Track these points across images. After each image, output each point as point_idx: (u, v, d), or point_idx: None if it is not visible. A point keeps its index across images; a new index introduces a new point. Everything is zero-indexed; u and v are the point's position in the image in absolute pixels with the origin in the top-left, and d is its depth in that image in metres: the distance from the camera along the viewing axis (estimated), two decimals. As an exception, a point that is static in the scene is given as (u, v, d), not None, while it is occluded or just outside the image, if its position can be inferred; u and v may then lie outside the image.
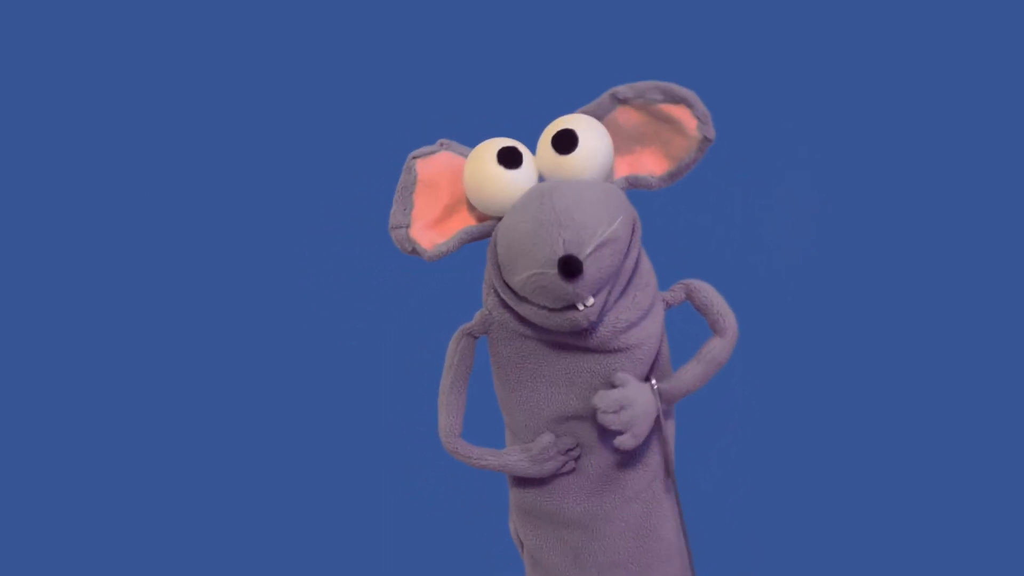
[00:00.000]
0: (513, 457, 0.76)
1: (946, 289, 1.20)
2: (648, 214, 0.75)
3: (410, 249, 0.75)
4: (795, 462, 1.14)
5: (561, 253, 0.67)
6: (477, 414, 0.78)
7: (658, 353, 0.75)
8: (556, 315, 0.70)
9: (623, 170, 0.76)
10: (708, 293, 0.76)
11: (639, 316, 0.73)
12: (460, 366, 0.77)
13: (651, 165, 0.76)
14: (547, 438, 0.75)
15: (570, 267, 0.67)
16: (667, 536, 0.78)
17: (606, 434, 0.74)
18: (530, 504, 0.78)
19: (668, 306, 0.76)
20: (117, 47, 1.27)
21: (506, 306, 0.73)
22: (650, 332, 0.74)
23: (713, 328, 0.76)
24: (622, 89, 0.76)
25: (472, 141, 0.76)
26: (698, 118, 0.74)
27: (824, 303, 1.20)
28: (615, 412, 0.71)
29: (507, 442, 0.79)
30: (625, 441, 0.72)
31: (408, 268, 0.82)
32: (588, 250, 0.67)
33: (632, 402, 0.72)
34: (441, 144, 0.77)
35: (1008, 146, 1.21)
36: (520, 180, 0.72)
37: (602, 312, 0.71)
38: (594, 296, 0.69)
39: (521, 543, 0.81)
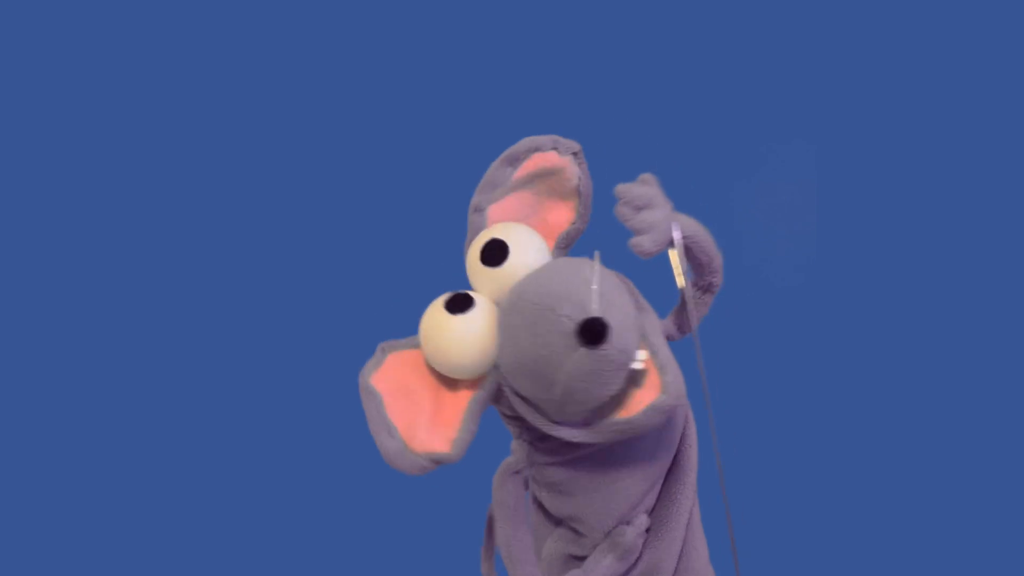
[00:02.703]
0: (601, 566, 0.68)
1: (945, 289, 1.20)
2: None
3: (429, 464, 0.64)
4: (795, 463, 1.14)
5: (574, 325, 0.59)
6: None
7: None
8: (634, 398, 0.61)
9: (550, 242, 0.70)
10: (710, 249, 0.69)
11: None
12: (517, 509, 0.70)
13: (562, 217, 0.70)
14: (631, 533, 0.68)
15: (594, 328, 0.58)
16: (699, 567, 0.74)
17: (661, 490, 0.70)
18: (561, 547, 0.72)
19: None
20: (117, 48, 1.28)
21: (538, 448, 0.66)
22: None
23: (703, 283, 0.70)
24: (476, 199, 0.70)
25: (465, 154, 0.72)
26: (553, 148, 0.69)
27: (821, 304, 1.20)
28: (637, 208, 0.63)
29: (542, 524, 0.72)
30: (642, 243, 0.63)
31: (422, 269, 0.78)
32: (595, 304, 0.59)
33: (656, 204, 0.63)
34: (382, 350, 0.68)
35: (1006, 146, 1.21)
36: (479, 319, 0.64)
37: (668, 349, 0.63)
38: (636, 347, 0.61)
39: None
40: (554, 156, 0.69)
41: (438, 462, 0.63)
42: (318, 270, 1.24)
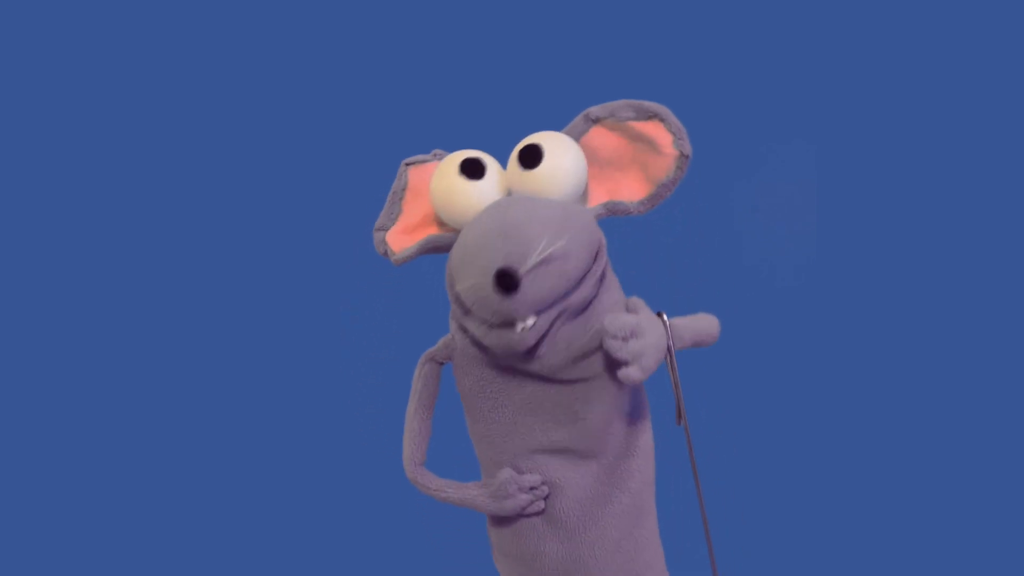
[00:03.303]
0: (473, 492, 0.72)
1: (945, 289, 1.20)
2: (633, 228, 0.72)
3: (383, 251, 0.75)
4: (794, 464, 1.14)
5: (499, 265, 0.63)
6: (460, 443, 0.75)
7: (637, 386, 0.70)
8: (493, 332, 0.66)
9: (602, 196, 0.72)
10: (675, 323, 0.69)
11: (596, 344, 0.67)
12: (423, 392, 0.73)
13: (630, 190, 0.72)
14: (505, 473, 0.71)
15: (505, 280, 0.63)
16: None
17: (576, 472, 0.70)
18: (507, 546, 0.74)
19: None
20: (119, 48, 1.28)
21: (463, 329, 0.70)
22: (612, 362, 0.67)
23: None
24: (594, 109, 0.72)
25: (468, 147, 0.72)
26: (672, 133, 0.70)
27: (821, 304, 1.20)
28: (623, 339, 0.65)
29: (481, 476, 0.75)
30: (631, 373, 0.64)
31: (426, 271, 0.79)
32: (527, 265, 0.63)
33: (644, 331, 0.65)
34: (435, 154, 0.76)
35: (1006, 146, 1.21)
36: (483, 192, 0.69)
37: (544, 337, 0.66)
38: (537, 316, 0.65)
39: None
40: (668, 140, 0.70)
41: (386, 255, 0.75)
42: (316, 270, 1.24)
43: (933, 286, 1.20)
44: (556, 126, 0.73)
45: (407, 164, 0.76)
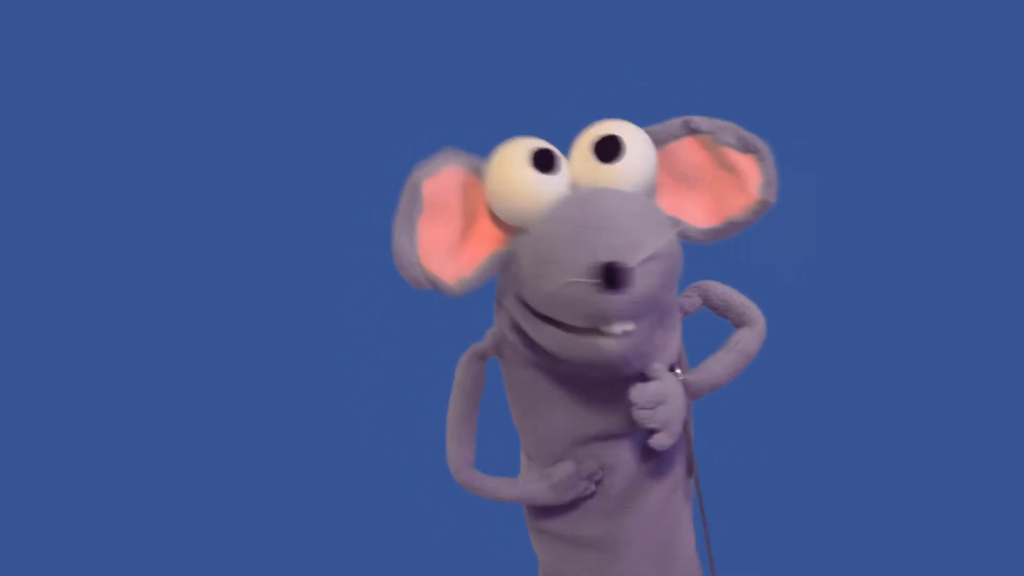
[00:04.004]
0: (532, 487, 0.70)
1: (944, 289, 1.20)
2: None
3: (428, 285, 0.65)
4: (799, 463, 1.14)
5: (606, 258, 0.58)
6: (489, 434, 0.73)
7: (679, 364, 0.69)
8: (581, 341, 0.61)
9: (664, 208, 0.66)
10: (725, 290, 0.70)
11: (666, 339, 0.66)
12: (473, 392, 0.70)
13: (695, 214, 0.68)
14: (569, 467, 0.69)
15: (616, 276, 0.58)
16: (687, 554, 0.74)
17: (628, 453, 0.69)
18: (546, 526, 0.73)
19: (685, 314, 0.70)
20: (121, 49, 1.28)
21: (519, 329, 0.66)
22: (671, 348, 0.67)
23: (739, 322, 0.70)
24: (698, 120, 0.67)
25: (477, 146, 0.68)
26: (764, 176, 0.66)
27: (824, 305, 1.20)
28: (651, 409, 0.64)
29: (521, 461, 0.74)
30: (661, 440, 0.65)
31: (398, 280, 0.73)
32: (639, 258, 0.59)
33: (669, 398, 0.64)
34: (445, 157, 0.66)
35: (1006, 146, 1.21)
36: (555, 187, 0.63)
37: (639, 348, 0.63)
38: (635, 322, 0.61)
39: None
40: (757, 182, 0.67)
41: (437, 288, 0.65)
42: (316, 270, 1.24)
43: (933, 287, 1.20)
44: (548, 125, 0.69)
45: (418, 177, 0.65)
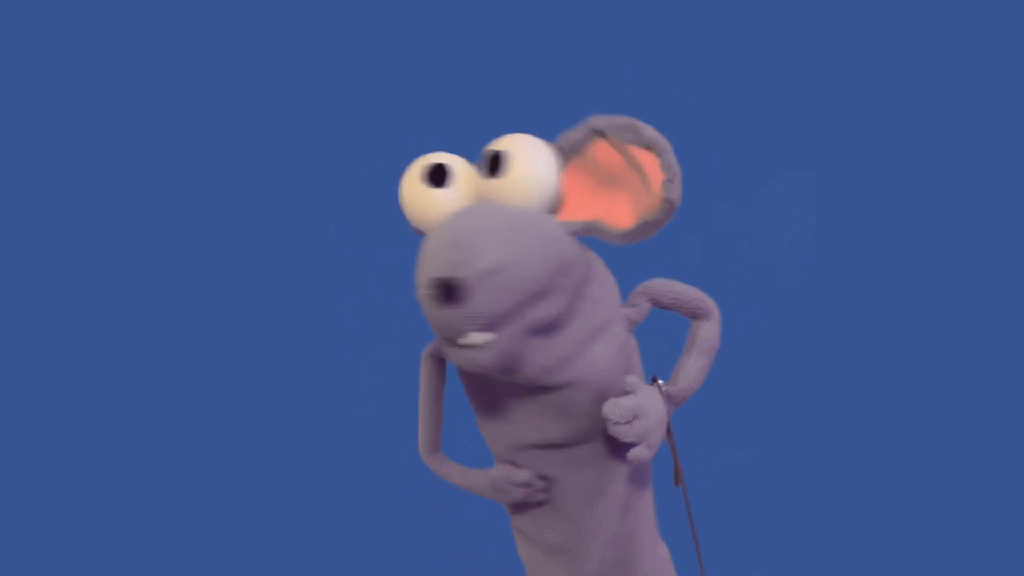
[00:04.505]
0: (478, 481, 0.73)
1: (944, 288, 1.20)
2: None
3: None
4: (797, 465, 1.15)
5: (439, 274, 0.59)
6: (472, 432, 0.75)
7: (619, 377, 0.67)
8: (452, 350, 0.62)
9: (597, 212, 0.65)
10: (673, 286, 0.69)
11: (577, 348, 0.65)
12: (427, 385, 0.74)
13: (618, 215, 0.66)
14: (499, 470, 0.71)
15: (449, 291, 0.59)
16: (645, 568, 0.74)
17: (578, 468, 0.69)
18: (517, 525, 0.75)
19: (633, 324, 0.69)
20: (124, 50, 1.28)
21: None
22: (600, 361, 0.66)
23: (694, 315, 0.69)
24: (597, 120, 0.66)
25: (466, 145, 0.68)
26: (664, 172, 0.63)
27: (819, 305, 1.20)
28: (627, 423, 0.63)
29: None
30: (640, 453, 0.64)
31: (398, 280, 0.76)
32: (470, 274, 0.58)
33: (646, 411, 0.64)
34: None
35: (1006, 146, 1.21)
36: (448, 200, 0.64)
37: (506, 355, 0.62)
38: (488, 333, 0.60)
39: None
40: (659, 179, 0.63)
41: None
42: (316, 270, 1.24)
43: (933, 286, 1.20)
44: (548, 124, 0.68)
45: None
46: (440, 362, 0.74)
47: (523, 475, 0.70)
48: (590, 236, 0.65)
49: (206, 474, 1.20)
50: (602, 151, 0.65)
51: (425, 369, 0.74)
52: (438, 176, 0.64)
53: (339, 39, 1.27)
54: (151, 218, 1.27)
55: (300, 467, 1.20)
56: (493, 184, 0.64)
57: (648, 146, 0.63)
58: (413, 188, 0.65)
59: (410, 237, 0.74)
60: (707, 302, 0.69)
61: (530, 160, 0.64)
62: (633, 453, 0.64)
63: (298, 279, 1.26)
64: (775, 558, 1.05)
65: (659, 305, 0.69)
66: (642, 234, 0.64)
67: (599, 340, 0.66)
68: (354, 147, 1.24)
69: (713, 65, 1.21)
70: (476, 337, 0.60)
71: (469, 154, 0.67)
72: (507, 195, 0.63)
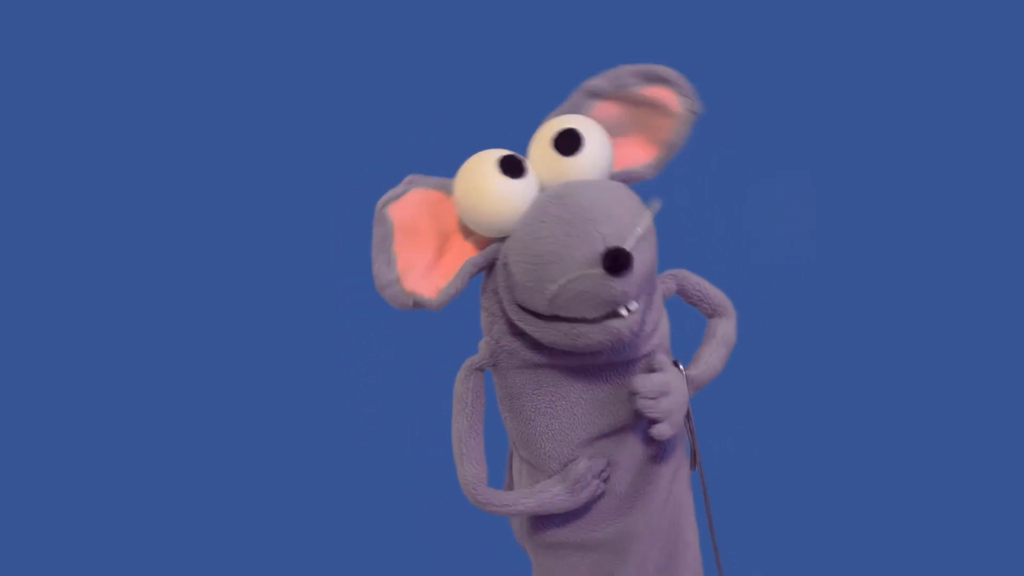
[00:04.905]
0: (550, 493, 0.69)
1: (945, 288, 1.20)
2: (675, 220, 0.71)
3: (411, 303, 0.66)
4: (801, 459, 1.15)
5: (604, 247, 0.60)
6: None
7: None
8: (596, 329, 0.63)
9: (615, 166, 0.69)
10: (700, 281, 0.73)
11: (657, 314, 0.68)
12: (475, 406, 0.70)
13: (639, 154, 0.71)
14: (583, 464, 0.69)
15: (619, 260, 0.59)
16: (692, 540, 0.75)
17: (632, 447, 0.70)
18: (555, 539, 0.72)
19: (663, 299, 0.71)
20: (125, 50, 1.28)
21: (518, 334, 0.66)
22: (665, 329, 0.69)
23: (714, 312, 0.72)
24: (594, 82, 0.70)
25: (449, 151, 0.68)
26: (680, 94, 0.69)
27: (821, 301, 1.20)
28: (654, 399, 0.65)
29: (517, 477, 0.73)
30: (663, 430, 0.66)
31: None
32: (632, 241, 0.61)
33: (673, 389, 0.66)
34: (409, 182, 0.68)
35: (1006, 147, 1.21)
36: (526, 191, 0.65)
37: (643, 319, 0.65)
38: (636, 300, 0.63)
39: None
40: (676, 100, 0.69)
41: (420, 305, 0.66)
42: (317, 270, 1.25)
43: (932, 286, 1.20)
44: (524, 121, 0.70)
45: (384, 205, 0.67)
46: (482, 376, 0.70)
47: (602, 463, 0.70)
48: (627, 183, 0.68)
49: (206, 474, 1.20)
50: (601, 109, 0.70)
51: (470, 387, 0.70)
52: (516, 167, 0.65)
53: (339, 39, 1.27)
54: (151, 218, 1.27)
55: (300, 467, 1.20)
56: (569, 163, 0.65)
57: (651, 80, 0.69)
58: (491, 184, 0.64)
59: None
60: (728, 303, 0.73)
61: (598, 134, 0.67)
62: (657, 429, 0.66)
63: (297, 279, 1.26)
64: (776, 558, 1.05)
65: (683, 293, 0.73)
66: (669, 156, 0.70)
67: (662, 309, 0.70)
68: (353, 147, 1.25)
69: (712, 65, 1.22)
70: (630, 306, 0.62)
71: (466, 154, 0.68)
72: (583, 171, 0.65)
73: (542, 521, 0.72)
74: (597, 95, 0.70)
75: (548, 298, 0.62)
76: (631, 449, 0.70)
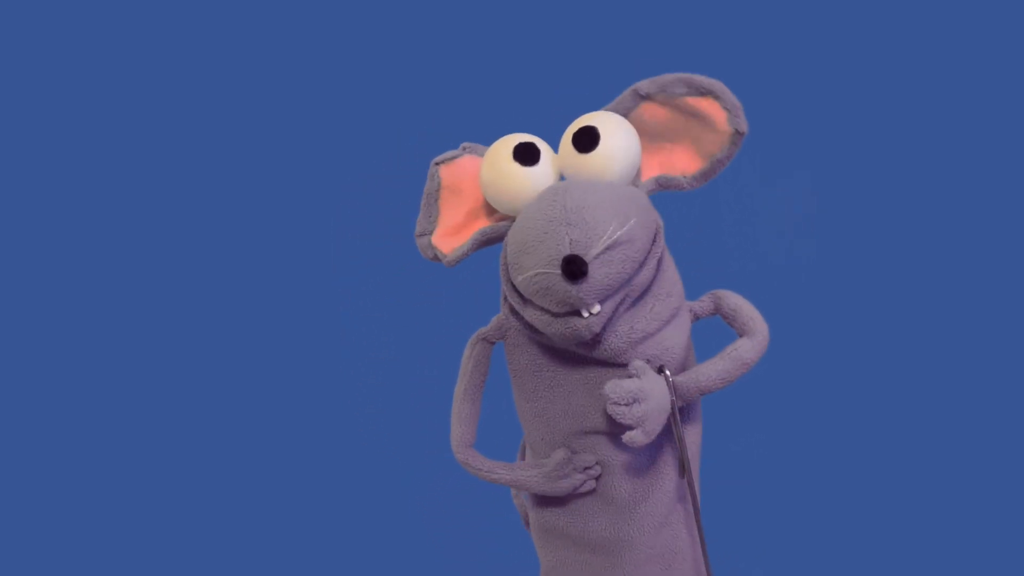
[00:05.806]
0: (526, 472, 0.71)
1: (945, 289, 1.20)
2: (679, 221, 0.72)
3: (432, 255, 0.73)
4: (799, 465, 1.15)
5: (566, 252, 0.62)
6: (497, 425, 0.74)
7: (683, 368, 0.70)
8: (557, 321, 0.65)
9: (653, 170, 0.72)
10: (737, 300, 0.71)
11: (657, 327, 0.67)
12: (474, 373, 0.72)
13: (682, 164, 0.71)
14: (561, 454, 0.70)
15: (573, 268, 0.62)
16: (691, 556, 0.73)
17: (632, 451, 0.69)
18: (551, 524, 0.73)
19: (696, 318, 0.71)
20: (125, 51, 1.28)
21: (515, 311, 0.68)
22: (671, 344, 0.68)
23: (743, 331, 0.70)
24: (644, 84, 0.71)
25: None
26: (727, 110, 0.69)
27: (821, 301, 1.20)
28: (627, 404, 0.65)
29: (527, 456, 0.74)
30: (635, 437, 0.65)
31: (429, 273, 0.79)
32: (594, 251, 0.62)
33: (647, 395, 0.65)
34: (464, 148, 0.74)
35: (1006, 147, 1.21)
36: (537, 178, 0.68)
37: (609, 323, 0.66)
38: (601, 303, 0.64)
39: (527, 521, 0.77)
40: (723, 117, 0.70)
41: (437, 259, 0.73)
42: (317, 270, 1.24)
43: (932, 286, 1.20)
44: (576, 115, 0.70)
45: (437, 163, 0.73)
46: (490, 348, 0.73)
47: (586, 458, 0.70)
48: (662, 191, 0.71)
49: (206, 473, 1.20)
50: (649, 111, 0.71)
51: (475, 354, 0.73)
52: (528, 154, 0.68)
53: (340, 40, 1.27)
54: (151, 218, 1.27)
55: (300, 467, 1.20)
56: (584, 159, 0.67)
57: (703, 93, 0.70)
58: (503, 167, 0.68)
59: (409, 237, 0.75)
60: (759, 322, 0.71)
61: (617, 134, 0.68)
62: (628, 436, 0.65)
63: (298, 279, 1.25)
64: (774, 558, 1.05)
65: (720, 311, 0.72)
66: (714, 172, 0.71)
67: (672, 323, 0.69)
68: (354, 147, 1.25)
69: (712, 65, 1.21)
70: (589, 309, 0.64)
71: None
72: (598, 170, 0.67)
73: (543, 503, 0.73)
74: (645, 97, 0.71)
75: (520, 285, 0.65)
76: (629, 455, 0.70)
